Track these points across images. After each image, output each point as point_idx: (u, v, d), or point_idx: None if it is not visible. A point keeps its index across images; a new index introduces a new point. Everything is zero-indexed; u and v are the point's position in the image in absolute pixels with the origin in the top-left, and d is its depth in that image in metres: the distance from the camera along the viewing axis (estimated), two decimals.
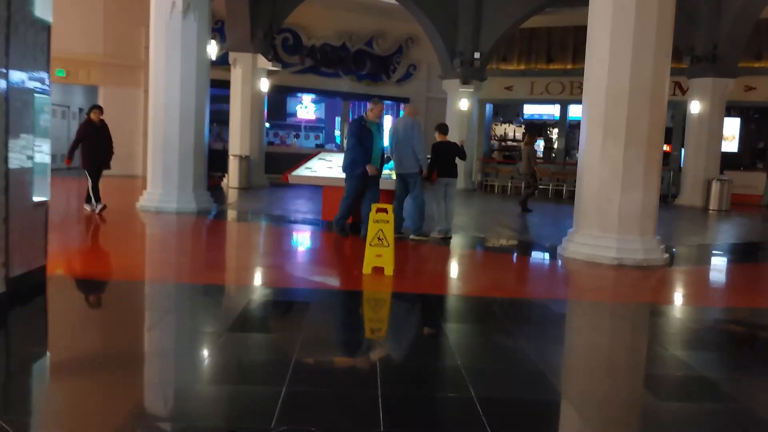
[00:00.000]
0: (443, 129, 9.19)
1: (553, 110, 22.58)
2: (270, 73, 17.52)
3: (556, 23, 21.01)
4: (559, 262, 7.77)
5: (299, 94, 22.81)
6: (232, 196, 14.79)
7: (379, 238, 6.23)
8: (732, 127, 19.89)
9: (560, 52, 21.45)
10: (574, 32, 21.17)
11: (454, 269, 7.52)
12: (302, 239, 9.49)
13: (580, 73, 20.89)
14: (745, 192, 18.14)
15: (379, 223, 6.26)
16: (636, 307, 5.94)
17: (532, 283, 6.94)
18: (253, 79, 16.91)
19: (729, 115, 18.06)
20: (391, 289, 5.90)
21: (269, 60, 17.06)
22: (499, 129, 24.18)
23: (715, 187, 16.26)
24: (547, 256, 8.62)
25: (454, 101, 19.51)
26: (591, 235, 7.61)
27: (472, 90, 19.48)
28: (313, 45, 21.29)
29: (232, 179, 16.64)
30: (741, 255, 9.89)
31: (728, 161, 18.34)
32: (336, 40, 21.66)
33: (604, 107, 7.50)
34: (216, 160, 19.07)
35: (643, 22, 7.29)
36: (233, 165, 16.70)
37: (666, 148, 18.23)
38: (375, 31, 22.14)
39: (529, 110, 23.61)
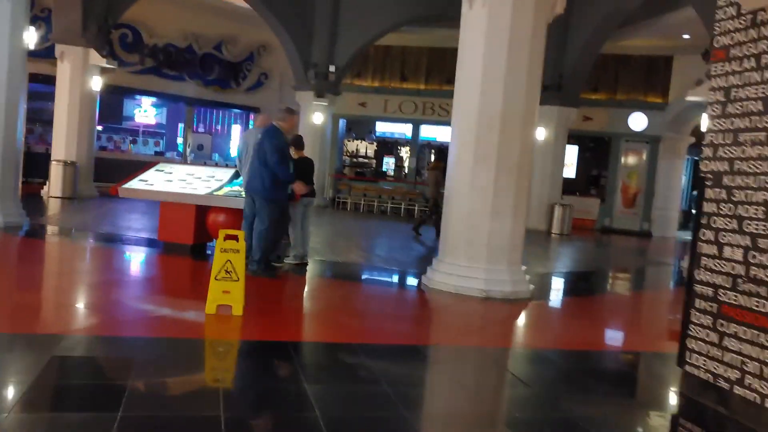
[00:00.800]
0: (299, 143, 8.35)
1: (405, 129, 22.50)
2: (104, 71, 15.68)
3: (410, 43, 20.99)
4: (425, 294, 7.19)
5: (138, 97, 20.89)
6: (52, 207, 12.89)
7: (227, 271, 5.25)
8: (570, 154, 20.89)
9: (414, 72, 21.47)
10: (427, 53, 21.30)
11: (311, 306, 6.66)
12: (132, 266, 8.17)
13: (433, 93, 21.18)
14: (582, 216, 19.04)
15: (228, 253, 5.28)
16: (509, 353, 5.43)
17: (396, 323, 6.09)
18: (84, 75, 15.01)
19: (568, 143, 18.88)
20: (239, 336, 4.92)
21: (103, 56, 15.26)
22: (352, 145, 23.77)
23: (558, 211, 16.84)
24: (410, 285, 8.04)
25: (308, 114, 18.78)
26: (458, 265, 7.12)
27: (326, 104, 18.87)
28: (155, 44, 19.55)
29: (53, 188, 14.59)
30: (597, 283, 9.97)
31: (565, 187, 19.17)
32: (181, 41, 20.08)
33: (476, 131, 7.06)
34: (36, 166, 16.86)
35: (517, 45, 6.96)
36: (56, 171, 14.67)
37: None
38: (225, 35, 20.85)
39: (382, 128, 23.38)
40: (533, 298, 7.24)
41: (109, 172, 16.67)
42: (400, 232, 13.23)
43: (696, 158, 21.79)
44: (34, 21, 17.00)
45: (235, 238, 5.35)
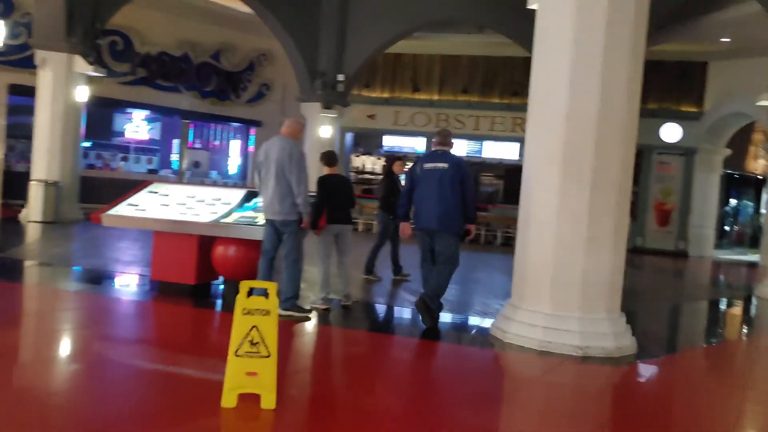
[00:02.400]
0: (330, 159, 6.73)
1: (416, 143, 20.93)
2: (91, 81, 14.04)
3: (422, 50, 19.53)
4: (501, 355, 5.49)
5: (129, 110, 19.23)
6: (29, 234, 11.18)
7: (252, 342, 3.59)
8: None
9: (426, 82, 20.00)
10: (441, 61, 19.86)
11: (365, 385, 4.53)
12: (118, 321, 6.07)
13: (447, 104, 19.56)
14: None
15: (253, 316, 3.63)
16: None
17: (488, 412, 4.13)
18: (68, 85, 13.36)
19: None
20: None
21: (90, 64, 13.60)
22: (358, 160, 22.17)
23: None
24: (477, 338, 6.12)
25: (315, 127, 17.24)
26: (542, 313, 5.48)
27: (334, 115, 17.34)
28: (148, 53, 17.96)
29: (33, 211, 12.90)
30: (699, 325, 8.30)
31: None
32: (176, 50, 18.49)
33: (563, 140, 5.44)
34: (17, 186, 15.25)
35: (616, 27, 5.38)
36: (35, 192, 12.99)
37: None
38: (223, 44, 19.30)
39: (390, 142, 21.79)
40: (640, 355, 5.57)
41: (97, 192, 15.07)
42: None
43: (730, 172, 20.31)
44: (14, 27, 15.46)
45: (264, 292, 3.70)
